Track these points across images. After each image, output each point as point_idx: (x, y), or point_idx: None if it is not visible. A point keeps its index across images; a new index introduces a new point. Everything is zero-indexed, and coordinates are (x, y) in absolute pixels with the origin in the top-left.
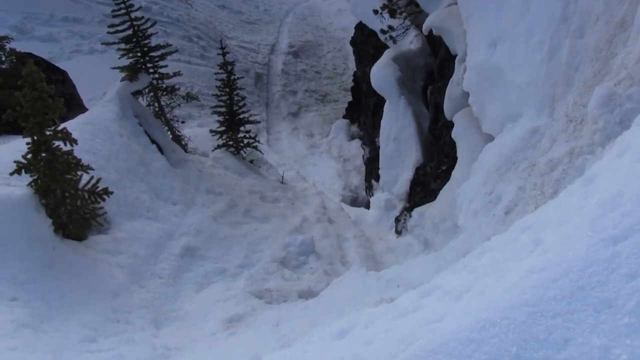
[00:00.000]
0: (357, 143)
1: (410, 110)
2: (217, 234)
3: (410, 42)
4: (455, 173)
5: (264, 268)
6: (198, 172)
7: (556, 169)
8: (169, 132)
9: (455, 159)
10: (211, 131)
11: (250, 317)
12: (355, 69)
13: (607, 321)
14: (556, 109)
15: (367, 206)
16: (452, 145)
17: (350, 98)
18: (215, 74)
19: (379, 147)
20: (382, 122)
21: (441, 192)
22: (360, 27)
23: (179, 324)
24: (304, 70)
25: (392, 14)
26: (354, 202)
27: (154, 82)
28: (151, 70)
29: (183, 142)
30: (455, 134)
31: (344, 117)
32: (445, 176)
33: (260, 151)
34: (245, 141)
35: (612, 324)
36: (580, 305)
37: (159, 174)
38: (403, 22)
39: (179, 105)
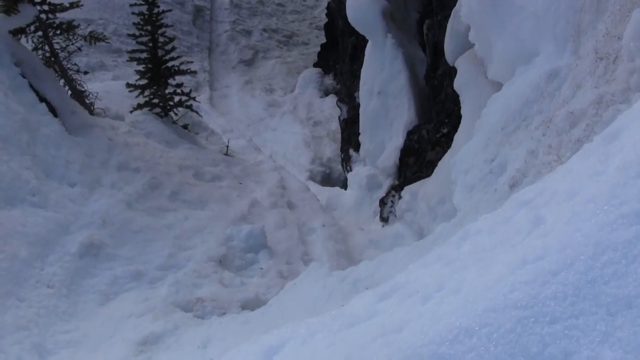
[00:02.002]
0: (331, 100)
1: (401, 53)
2: (132, 225)
3: None
4: (458, 137)
5: (196, 270)
6: (107, 141)
7: (578, 125)
8: (66, 87)
9: (459, 118)
10: (128, 85)
11: (172, 336)
12: None
13: (625, 327)
14: (582, 43)
15: (344, 185)
16: (456, 99)
17: (323, 40)
18: (132, 5)
19: (359, 105)
20: (363, 70)
21: (440, 163)
22: None
23: (73, 350)
24: (261, 2)
25: None
26: (326, 179)
27: (43, 16)
28: (37, 0)
29: (88, 101)
30: (458, 83)
31: (315, 65)
32: (447, 142)
33: (198, 112)
34: (177, 99)
35: (632, 331)
36: (588, 306)
37: (51, 144)
38: None
39: (78, 49)
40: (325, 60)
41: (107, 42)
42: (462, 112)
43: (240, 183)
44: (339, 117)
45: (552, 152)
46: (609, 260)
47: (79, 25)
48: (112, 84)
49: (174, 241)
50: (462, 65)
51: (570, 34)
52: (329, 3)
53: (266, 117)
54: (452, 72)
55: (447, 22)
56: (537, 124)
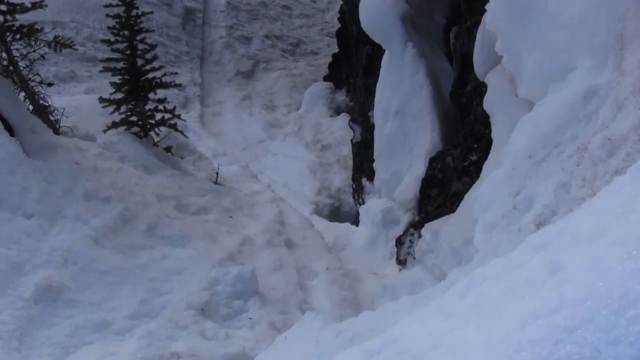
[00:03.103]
0: (343, 120)
1: (423, 65)
2: (98, 264)
3: None
4: (488, 166)
5: (172, 319)
6: (73, 165)
7: (616, 154)
8: (27, 102)
9: (490, 143)
10: (101, 100)
11: None
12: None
13: None
14: (626, 57)
15: (355, 221)
16: (487, 121)
17: (335, 49)
18: (106, 6)
19: (374, 127)
20: (379, 85)
21: (466, 196)
22: None
23: None
24: (263, 4)
25: None
26: (335, 214)
27: None
28: None
29: (52, 118)
30: (489, 102)
31: (325, 78)
32: (476, 171)
33: (184, 133)
34: (159, 117)
35: None
36: None
37: (4, 168)
38: None
39: (42, 57)
40: (337, 73)
41: (74, 49)
42: (493, 136)
43: (231, 217)
44: (351, 140)
45: (586, 185)
46: (637, 316)
47: (42, 29)
48: (83, 98)
49: (148, 284)
50: (494, 81)
51: (612, 45)
52: (341, 6)
53: (266, 139)
54: (482, 88)
55: (478, 30)
56: (570, 152)
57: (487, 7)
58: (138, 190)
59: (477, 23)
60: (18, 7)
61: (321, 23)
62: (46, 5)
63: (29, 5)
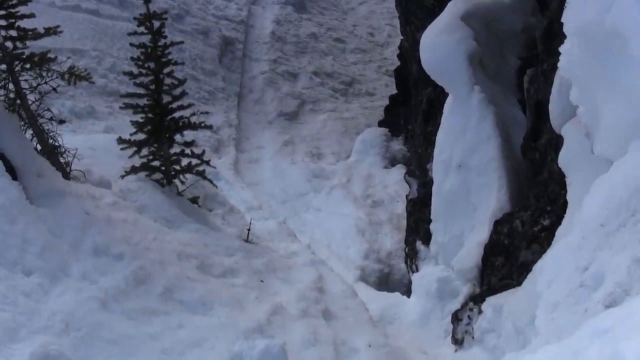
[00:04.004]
0: (399, 173)
1: (491, 112)
2: (105, 331)
3: None
4: (561, 233)
5: None
6: (83, 215)
7: None
8: (34, 140)
9: (566, 206)
10: (120, 141)
11: None
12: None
13: None
14: None
15: (407, 291)
16: (563, 180)
17: (394, 89)
18: (130, 34)
19: (432, 182)
20: (439, 134)
21: (535, 267)
22: None
23: None
24: (313, 35)
25: None
26: (383, 281)
27: (8, 44)
28: (1, 23)
29: (63, 160)
30: (565, 159)
31: (381, 123)
32: (548, 238)
33: (213, 182)
34: (185, 162)
35: None
36: None
37: (4, 216)
38: None
39: (53, 89)
40: (395, 118)
41: (91, 82)
42: (569, 198)
43: (262, 281)
44: (407, 197)
45: None
46: None
47: (55, 58)
48: (100, 137)
49: (161, 357)
50: (571, 134)
51: None
52: (401, 41)
53: (309, 192)
54: (559, 142)
55: (555, 74)
56: None
57: (561, 49)
58: (156, 247)
59: (555, 66)
60: (30, 33)
61: (379, 59)
62: (61, 32)
63: (42, 31)
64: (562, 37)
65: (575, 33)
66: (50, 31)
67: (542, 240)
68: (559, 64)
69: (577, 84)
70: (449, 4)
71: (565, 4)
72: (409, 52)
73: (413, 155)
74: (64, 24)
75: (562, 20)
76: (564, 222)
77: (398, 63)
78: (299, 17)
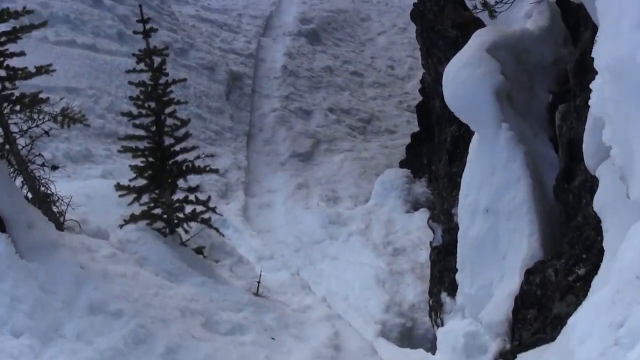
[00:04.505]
0: (422, 218)
1: (521, 152)
2: None
3: (526, 14)
4: (597, 283)
5: None
6: (78, 269)
7: None
8: (24, 188)
9: (602, 253)
10: (118, 187)
11: None
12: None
13: None
14: None
15: (432, 347)
16: (599, 225)
17: (415, 127)
18: (128, 72)
19: (457, 227)
20: (465, 175)
21: (570, 320)
22: None
23: None
24: (328, 69)
25: None
26: (406, 336)
27: None
28: None
29: (56, 209)
30: (600, 203)
31: (402, 164)
32: (584, 289)
33: (219, 231)
34: (189, 209)
35: None
36: None
37: None
38: None
39: (45, 133)
40: (417, 158)
41: (86, 125)
42: (605, 245)
43: (273, 338)
44: (431, 244)
45: None
46: None
47: (47, 99)
48: (98, 183)
49: None
50: (606, 176)
51: None
52: (423, 75)
53: (324, 239)
54: (594, 183)
55: (590, 110)
56: None
57: (592, 85)
58: (157, 303)
59: (589, 101)
60: (20, 72)
61: (400, 94)
62: (54, 70)
63: (34, 70)
64: (595, 71)
65: (607, 69)
66: (42, 70)
67: (578, 291)
68: (590, 102)
69: (610, 123)
70: (474, 35)
71: (596, 38)
72: (432, 86)
73: (437, 198)
74: (57, 61)
75: (593, 55)
76: (600, 271)
77: (420, 98)
78: (313, 50)
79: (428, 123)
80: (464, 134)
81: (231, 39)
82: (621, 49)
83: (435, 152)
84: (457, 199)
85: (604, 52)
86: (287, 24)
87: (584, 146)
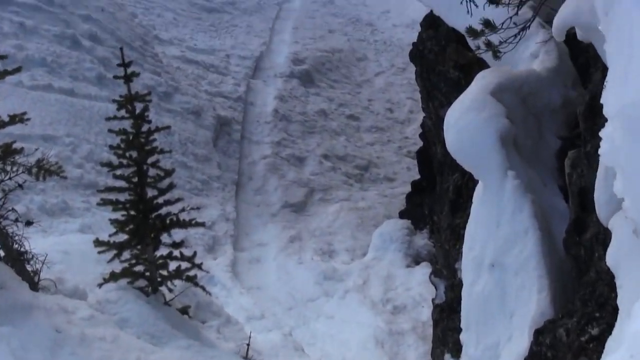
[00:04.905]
0: (424, 273)
1: (528, 201)
2: None
3: (532, 55)
4: (611, 344)
5: None
6: (54, 333)
7: None
8: None
9: (616, 311)
10: (97, 243)
11: None
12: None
13: None
14: None
15: None
16: (613, 281)
17: (415, 175)
18: (108, 119)
19: (461, 283)
20: (469, 227)
21: None
22: (430, 23)
23: None
24: (322, 113)
25: None
26: None
27: None
28: None
29: (30, 268)
30: (614, 257)
31: (402, 214)
32: (597, 350)
33: (205, 289)
34: (173, 266)
35: None
36: None
37: None
38: (515, 13)
39: (19, 186)
40: (417, 208)
41: (63, 177)
42: (619, 303)
43: None
44: (433, 301)
45: None
46: None
47: (21, 149)
48: (75, 239)
49: None
50: (620, 228)
51: None
52: (424, 119)
53: (319, 297)
54: (607, 236)
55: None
56: None
57: (602, 133)
58: None
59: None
60: None
61: (399, 139)
62: (28, 119)
63: (7, 119)
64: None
65: (617, 116)
66: (16, 119)
67: (591, 352)
68: (600, 151)
69: (622, 174)
70: (477, 77)
71: (605, 82)
72: (433, 131)
73: (439, 251)
74: (33, 107)
75: (602, 100)
76: (614, 332)
77: (421, 143)
78: (306, 92)
79: (429, 170)
80: (468, 183)
81: (219, 82)
82: (632, 95)
83: (437, 201)
84: (461, 252)
85: (613, 98)
86: (278, 64)
87: (595, 196)
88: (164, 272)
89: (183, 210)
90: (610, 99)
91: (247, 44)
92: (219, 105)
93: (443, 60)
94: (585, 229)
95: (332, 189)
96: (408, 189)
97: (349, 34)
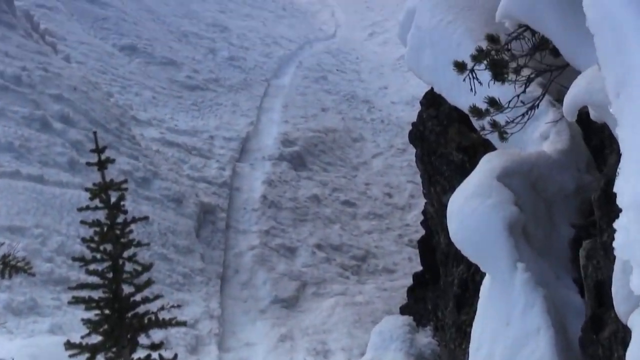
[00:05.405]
0: None
1: (540, 297)
2: None
3: (541, 136)
4: None
5: None
6: None
7: None
8: None
9: None
10: (69, 346)
11: None
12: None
13: None
14: None
15: None
16: None
17: (417, 266)
18: (80, 210)
19: None
20: (476, 324)
21: None
22: (431, 101)
23: None
24: (315, 198)
25: (498, 74)
26: None
27: None
28: None
29: None
30: (633, 357)
31: (403, 310)
32: None
33: None
34: None
35: None
36: None
37: None
38: (523, 91)
39: None
40: (420, 303)
41: (30, 274)
42: None
43: None
44: None
45: None
46: None
47: None
48: (44, 341)
49: None
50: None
51: None
52: (425, 205)
53: None
54: (626, 334)
55: None
56: None
57: (616, 224)
58: None
59: None
60: None
61: (399, 227)
62: None
63: None
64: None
65: (631, 206)
66: None
67: None
68: (614, 243)
69: (638, 268)
70: (482, 160)
71: (618, 170)
72: (435, 219)
73: (444, 351)
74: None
75: (616, 189)
76: None
77: (423, 231)
78: (297, 176)
79: (433, 261)
80: (474, 276)
81: (202, 166)
82: None
83: (442, 296)
84: (468, 352)
85: (628, 187)
86: (266, 146)
87: (613, 290)
88: None
89: (163, 308)
90: (625, 188)
91: (233, 124)
92: (202, 192)
93: (445, 141)
94: (603, 326)
95: (327, 283)
96: (409, 281)
97: (343, 112)
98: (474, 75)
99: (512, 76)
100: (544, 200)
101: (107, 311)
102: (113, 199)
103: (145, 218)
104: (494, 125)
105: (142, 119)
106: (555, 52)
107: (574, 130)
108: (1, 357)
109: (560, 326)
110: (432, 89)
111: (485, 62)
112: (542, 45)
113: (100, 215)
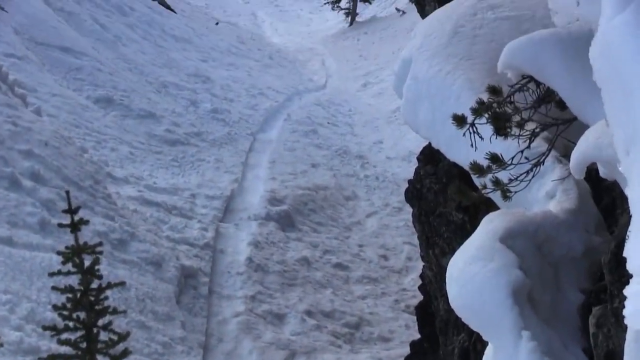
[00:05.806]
0: None
1: None
2: None
3: (547, 194)
4: None
5: None
6: None
7: None
8: None
9: None
10: None
11: None
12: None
13: None
14: None
15: None
16: None
17: (415, 334)
18: (51, 275)
19: None
20: None
21: None
22: (429, 157)
23: None
24: (305, 261)
25: (500, 128)
26: None
27: None
28: None
29: None
30: None
31: None
32: None
33: None
34: None
35: None
36: None
37: None
38: (527, 147)
39: None
40: None
41: None
42: None
43: None
44: None
45: None
46: None
47: None
48: None
49: None
50: None
51: None
52: (423, 268)
53: None
54: None
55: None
56: None
57: (626, 291)
58: None
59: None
60: None
61: (396, 291)
62: None
63: None
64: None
65: None
66: None
67: None
68: (625, 312)
69: None
70: (484, 220)
71: (628, 233)
72: (434, 283)
73: None
74: None
75: (625, 254)
76: None
77: (421, 296)
78: (285, 237)
79: (431, 329)
80: (476, 345)
81: (182, 226)
82: None
83: None
84: None
85: (638, 252)
86: (252, 205)
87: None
88: None
89: None
90: (634, 253)
91: (216, 182)
92: (182, 254)
93: (444, 200)
94: None
95: (317, 352)
96: (407, 350)
97: (335, 169)
98: (475, 129)
99: (515, 130)
100: (551, 264)
101: None
102: (87, 263)
103: (122, 283)
104: (497, 183)
105: (118, 176)
106: (562, 105)
107: (583, 188)
108: None
109: None
110: (429, 144)
111: (486, 115)
112: (548, 97)
113: (73, 280)
